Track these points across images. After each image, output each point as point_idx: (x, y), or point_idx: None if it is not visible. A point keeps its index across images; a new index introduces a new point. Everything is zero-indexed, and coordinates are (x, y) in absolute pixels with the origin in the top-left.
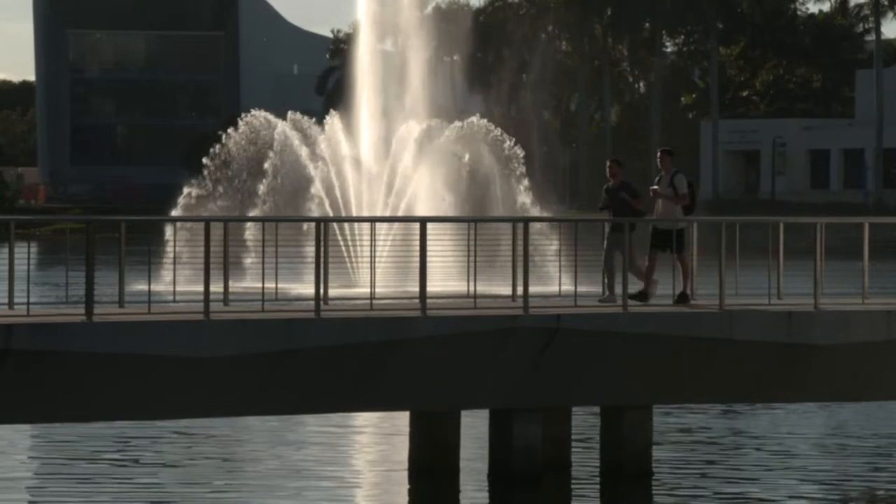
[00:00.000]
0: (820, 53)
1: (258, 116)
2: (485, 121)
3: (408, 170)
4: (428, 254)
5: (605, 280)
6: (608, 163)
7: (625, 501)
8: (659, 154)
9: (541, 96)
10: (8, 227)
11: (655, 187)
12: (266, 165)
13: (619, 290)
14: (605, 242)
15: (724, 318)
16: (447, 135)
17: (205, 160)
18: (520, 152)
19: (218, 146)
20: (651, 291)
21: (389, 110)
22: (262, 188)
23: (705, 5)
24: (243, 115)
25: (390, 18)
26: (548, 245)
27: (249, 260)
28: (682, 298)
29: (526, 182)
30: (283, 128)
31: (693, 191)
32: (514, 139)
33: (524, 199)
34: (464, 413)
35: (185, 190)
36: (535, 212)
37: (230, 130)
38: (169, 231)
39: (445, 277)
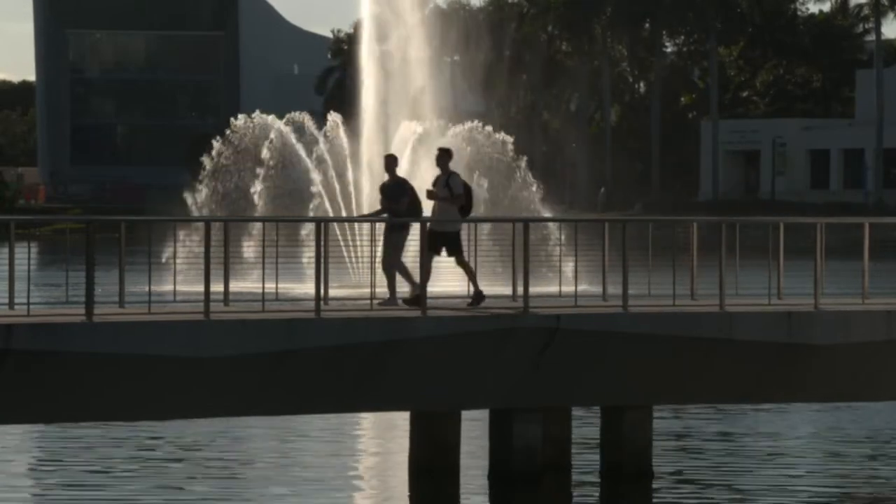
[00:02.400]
0: (820, 53)
1: (254, 119)
2: (488, 128)
3: (408, 170)
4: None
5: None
6: (385, 157)
7: (625, 501)
8: (437, 153)
9: (541, 96)
10: (8, 228)
11: (431, 188)
12: (264, 158)
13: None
14: (383, 244)
15: (724, 318)
16: (448, 135)
17: (203, 159)
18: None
19: (214, 147)
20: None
21: (390, 110)
22: (256, 189)
23: (705, 5)
24: (239, 117)
25: (391, 18)
26: (548, 245)
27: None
28: (477, 299)
29: (534, 188)
30: (280, 128)
31: (469, 192)
32: (513, 139)
33: (534, 201)
34: (464, 413)
35: (189, 201)
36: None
37: (227, 132)
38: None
39: (450, 278)
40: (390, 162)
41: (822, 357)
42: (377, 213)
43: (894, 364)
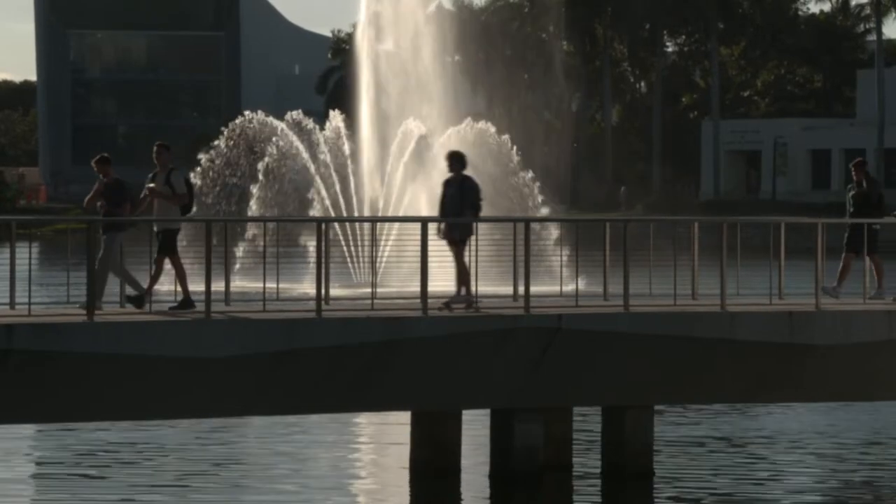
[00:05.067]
0: (821, 53)
1: (254, 119)
2: (492, 127)
3: (408, 169)
4: (429, 254)
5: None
6: (96, 160)
7: (626, 502)
8: (156, 149)
9: (542, 96)
10: (9, 228)
11: (151, 185)
12: (263, 161)
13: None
14: (103, 245)
15: (724, 318)
16: (449, 134)
17: (201, 156)
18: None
19: (213, 147)
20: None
21: (390, 110)
22: (255, 190)
23: (706, 5)
24: (239, 117)
25: (392, 18)
26: (549, 245)
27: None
28: (184, 304)
29: (537, 190)
30: (281, 128)
31: (191, 189)
32: (510, 138)
33: (537, 202)
34: (465, 413)
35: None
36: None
37: (225, 131)
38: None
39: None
40: (104, 164)
41: (822, 357)
42: (103, 215)
43: (894, 364)
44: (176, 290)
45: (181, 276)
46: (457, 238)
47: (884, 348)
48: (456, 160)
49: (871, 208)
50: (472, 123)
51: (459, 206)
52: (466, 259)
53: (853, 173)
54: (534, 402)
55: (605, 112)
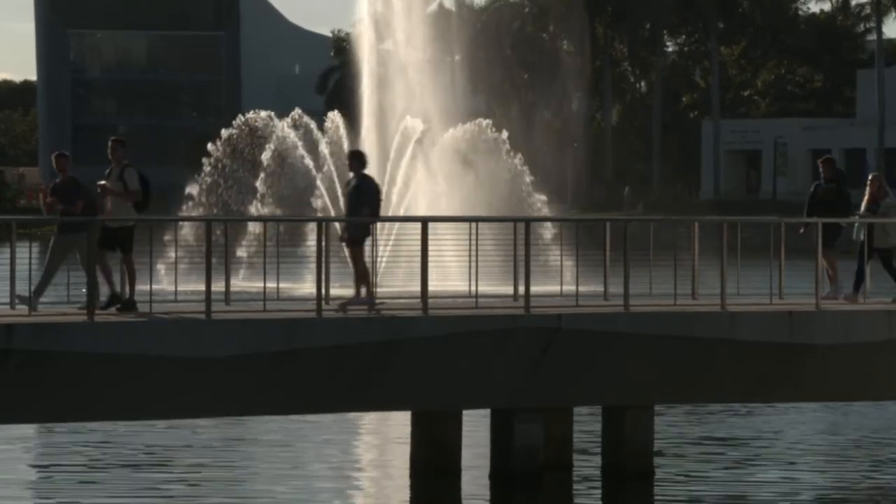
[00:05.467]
0: (821, 53)
1: (257, 117)
2: (490, 123)
3: (408, 169)
4: (430, 254)
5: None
6: (54, 157)
7: (626, 502)
8: (110, 144)
9: (542, 96)
10: (9, 227)
11: (103, 182)
12: (264, 160)
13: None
14: (52, 246)
15: (725, 317)
16: (450, 134)
17: (205, 159)
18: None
19: (216, 146)
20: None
21: (390, 110)
22: (259, 186)
23: (706, 5)
24: (241, 115)
25: (392, 18)
26: (550, 246)
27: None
28: (128, 306)
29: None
30: (283, 127)
31: (147, 186)
32: (510, 138)
33: (536, 202)
34: (465, 413)
35: (188, 191)
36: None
37: (228, 130)
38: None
39: (447, 277)
40: (62, 161)
41: (822, 357)
42: (56, 214)
43: (894, 364)
44: (175, 290)
45: (131, 277)
46: (356, 237)
47: (884, 348)
48: (356, 159)
49: (844, 204)
50: (471, 123)
51: (357, 205)
52: (368, 260)
53: (821, 169)
54: (534, 402)
55: (605, 112)
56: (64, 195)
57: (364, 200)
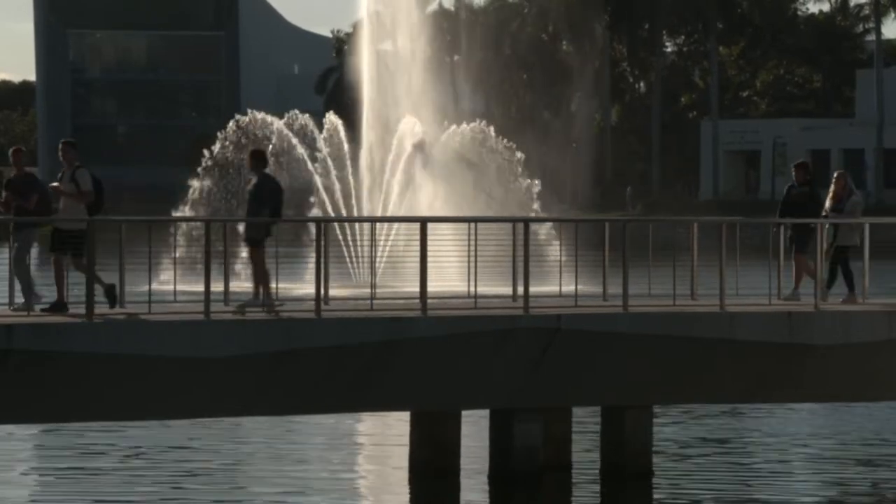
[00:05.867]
0: (820, 53)
1: (254, 117)
2: (488, 125)
3: (408, 169)
4: (429, 254)
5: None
6: (11, 151)
7: (625, 502)
8: (61, 146)
9: (541, 96)
10: (8, 227)
11: (56, 184)
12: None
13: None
14: (16, 246)
15: (724, 318)
16: (448, 134)
17: (203, 160)
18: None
19: (215, 148)
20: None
21: (390, 110)
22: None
23: (706, 5)
24: (238, 116)
25: (391, 18)
26: (548, 246)
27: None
28: (58, 307)
29: (536, 189)
30: (280, 127)
31: (101, 187)
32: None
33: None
34: (464, 413)
35: (192, 184)
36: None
37: (226, 130)
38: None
39: (447, 277)
40: (17, 156)
41: (822, 357)
42: (14, 209)
43: (894, 364)
44: (174, 290)
45: (62, 278)
46: (255, 238)
47: (884, 348)
48: (256, 159)
49: (817, 207)
50: (471, 123)
51: (257, 205)
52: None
53: (794, 174)
54: (534, 402)
55: (604, 112)
56: (18, 190)
57: (264, 201)
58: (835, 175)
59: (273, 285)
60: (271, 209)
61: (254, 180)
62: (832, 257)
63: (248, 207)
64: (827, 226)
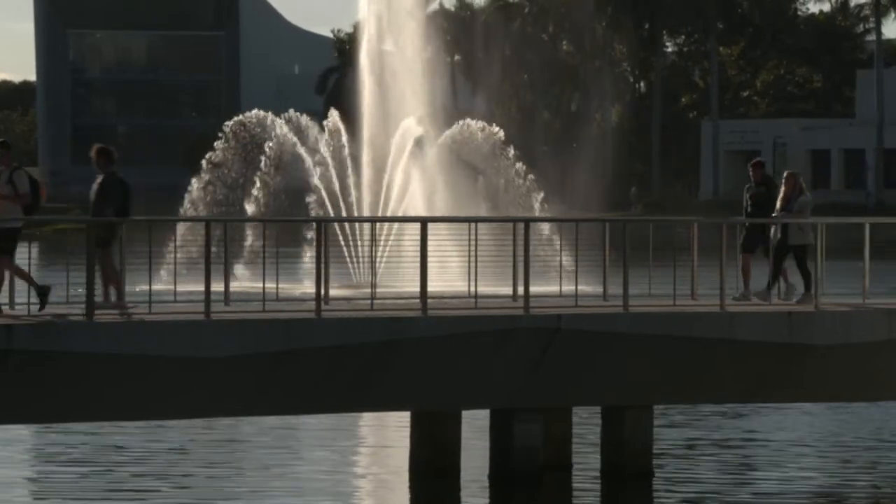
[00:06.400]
0: (821, 53)
1: (252, 117)
2: (487, 125)
3: (408, 169)
4: (428, 254)
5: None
6: None
7: (626, 502)
8: None
9: (542, 96)
10: None
11: None
12: (262, 163)
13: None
14: None
15: (724, 318)
16: (447, 134)
17: (203, 162)
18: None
19: (216, 148)
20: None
21: (390, 110)
22: (255, 187)
23: (706, 5)
24: (237, 115)
25: (392, 18)
26: (549, 246)
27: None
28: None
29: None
30: (280, 127)
31: (37, 189)
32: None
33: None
34: (464, 413)
35: (194, 183)
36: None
37: (225, 130)
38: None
39: (447, 277)
40: None
41: (822, 357)
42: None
43: (894, 364)
44: (174, 290)
45: (21, 276)
46: (105, 238)
47: (883, 348)
48: (102, 156)
49: (772, 208)
50: (471, 123)
51: (101, 204)
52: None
53: (751, 173)
54: (534, 402)
55: (604, 112)
56: None
57: (108, 200)
58: (784, 175)
59: (270, 285)
60: (116, 208)
61: (99, 178)
62: (776, 257)
63: (92, 207)
64: (773, 226)
